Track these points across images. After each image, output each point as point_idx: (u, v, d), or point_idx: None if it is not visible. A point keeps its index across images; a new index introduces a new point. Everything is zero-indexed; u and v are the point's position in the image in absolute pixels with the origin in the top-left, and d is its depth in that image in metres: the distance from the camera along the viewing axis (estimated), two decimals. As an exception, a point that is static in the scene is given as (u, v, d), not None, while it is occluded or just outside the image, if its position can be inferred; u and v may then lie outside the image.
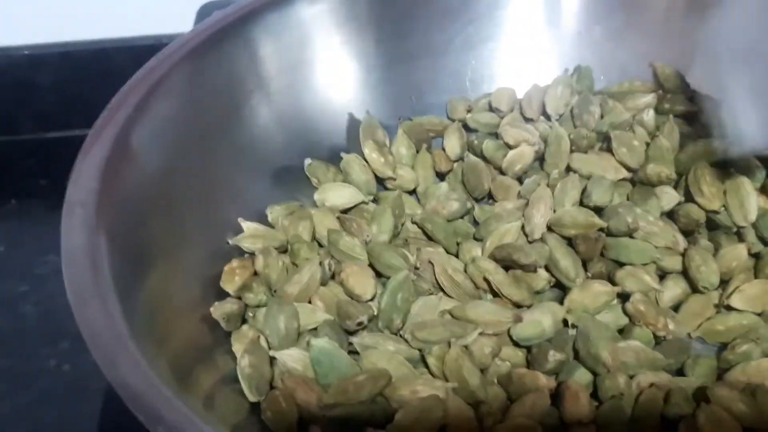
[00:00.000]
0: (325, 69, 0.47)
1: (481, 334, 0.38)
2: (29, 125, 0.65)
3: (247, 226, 0.43)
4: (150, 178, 0.38)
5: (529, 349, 0.39)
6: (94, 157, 0.36)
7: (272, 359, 0.37)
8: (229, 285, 0.40)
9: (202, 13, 0.61)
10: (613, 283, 0.40)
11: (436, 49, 0.50)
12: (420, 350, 0.38)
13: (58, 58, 0.64)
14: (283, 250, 0.43)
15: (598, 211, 0.43)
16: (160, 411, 0.28)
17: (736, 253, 0.42)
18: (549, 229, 0.43)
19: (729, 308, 0.40)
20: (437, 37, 0.49)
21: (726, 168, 0.44)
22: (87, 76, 0.64)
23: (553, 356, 0.37)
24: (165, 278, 0.37)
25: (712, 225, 0.44)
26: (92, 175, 0.36)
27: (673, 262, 0.42)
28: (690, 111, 0.49)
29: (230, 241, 0.42)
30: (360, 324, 0.39)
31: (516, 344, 0.39)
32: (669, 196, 0.44)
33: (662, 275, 0.42)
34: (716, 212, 0.43)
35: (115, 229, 0.35)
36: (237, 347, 0.38)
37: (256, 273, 0.41)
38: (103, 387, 0.44)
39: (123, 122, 0.38)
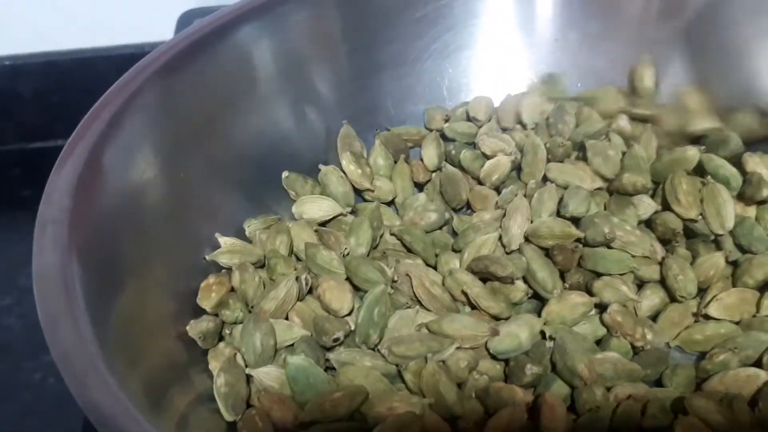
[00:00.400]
0: (301, 80, 0.47)
1: (458, 348, 0.38)
2: (12, 135, 0.65)
3: (224, 241, 0.42)
4: (123, 194, 0.38)
5: (506, 361, 0.39)
6: (67, 174, 0.36)
7: (249, 377, 0.37)
8: (206, 302, 0.40)
9: (183, 21, 0.61)
10: (590, 293, 0.40)
11: (411, 57, 0.50)
12: (397, 365, 0.38)
13: (40, 67, 0.64)
14: (260, 265, 0.43)
15: (575, 221, 0.43)
16: (130, 432, 0.28)
17: (714, 262, 0.42)
18: (526, 239, 0.43)
19: (707, 317, 0.40)
20: (413, 46, 0.49)
21: (702, 176, 0.44)
22: (69, 86, 0.64)
23: (530, 369, 0.37)
24: (139, 296, 0.36)
25: (690, 233, 0.44)
26: (65, 192, 0.35)
27: (651, 272, 0.42)
28: (656, 115, 0.49)
29: (207, 257, 0.42)
30: (336, 340, 0.38)
31: (494, 357, 0.39)
32: (646, 205, 0.44)
33: (640, 284, 0.42)
34: (693, 221, 0.43)
35: (88, 247, 0.34)
36: (213, 365, 0.38)
37: (233, 289, 0.41)
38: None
39: (96, 138, 0.38)
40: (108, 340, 0.32)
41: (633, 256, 0.42)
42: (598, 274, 0.41)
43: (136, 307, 0.36)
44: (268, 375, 0.37)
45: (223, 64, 0.44)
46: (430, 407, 0.35)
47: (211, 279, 0.40)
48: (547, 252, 0.42)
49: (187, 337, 0.38)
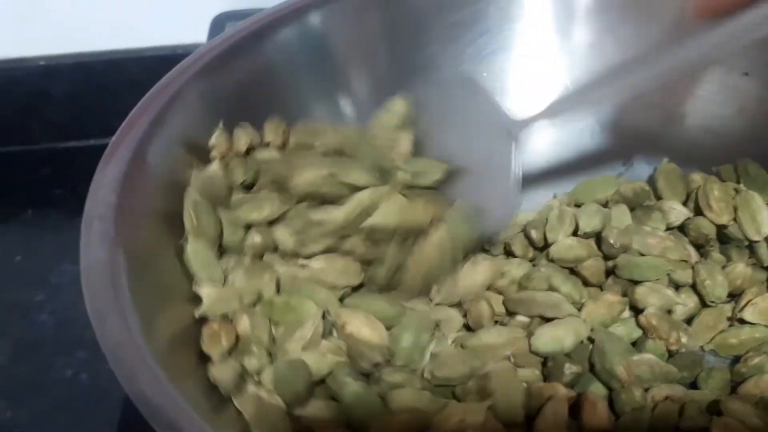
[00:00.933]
0: (338, 82, 0.48)
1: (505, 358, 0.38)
2: (44, 135, 0.66)
3: (205, 293, 0.37)
4: (166, 190, 0.38)
5: (544, 363, 0.39)
6: (112, 171, 0.37)
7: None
8: (215, 349, 0.35)
9: (216, 24, 0.62)
10: (633, 301, 0.41)
11: (446, 61, 0.50)
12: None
13: (73, 68, 0.64)
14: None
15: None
16: (181, 426, 0.29)
17: (740, 270, 0.42)
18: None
19: (742, 321, 0.41)
20: (448, 49, 0.49)
21: (736, 182, 0.45)
22: (101, 87, 0.65)
23: (569, 369, 0.37)
24: (183, 291, 0.37)
25: (724, 239, 0.44)
26: (110, 189, 0.36)
27: (686, 276, 0.42)
28: None
29: (197, 315, 0.36)
30: (377, 365, 0.37)
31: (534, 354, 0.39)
32: (677, 212, 0.44)
33: (675, 288, 0.42)
34: (725, 226, 0.43)
35: (133, 242, 0.35)
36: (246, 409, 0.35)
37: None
38: (121, 397, 0.44)
39: (140, 136, 0.38)
40: (154, 334, 0.32)
41: (668, 261, 0.42)
42: (635, 282, 0.41)
43: (180, 302, 0.36)
44: (316, 408, 0.35)
45: (261, 66, 0.44)
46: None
47: (215, 325, 0.36)
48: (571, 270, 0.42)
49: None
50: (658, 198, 0.46)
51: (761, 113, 0.46)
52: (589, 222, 0.43)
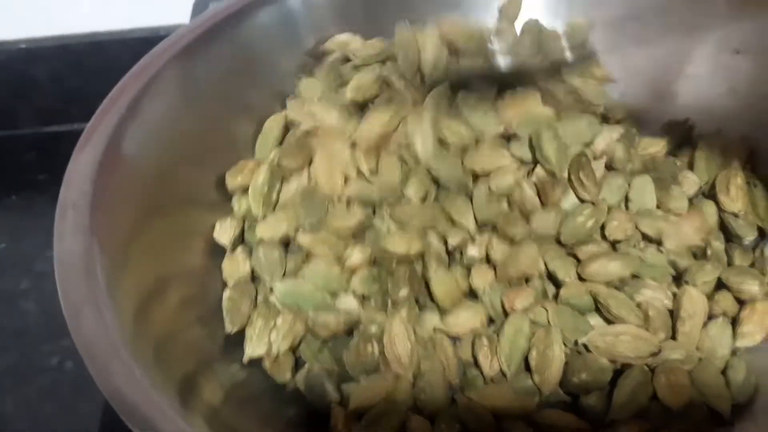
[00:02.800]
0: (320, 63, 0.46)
1: None
2: (28, 119, 0.65)
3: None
4: (144, 179, 0.38)
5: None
6: (87, 159, 0.36)
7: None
8: (231, 179, 0.42)
9: (199, 4, 0.61)
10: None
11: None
12: None
13: (56, 51, 0.63)
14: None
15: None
16: (155, 422, 0.28)
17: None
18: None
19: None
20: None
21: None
22: (84, 69, 0.64)
23: None
24: (160, 282, 0.36)
25: (728, 235, 0.43)
26: (85, 177, 0.35)
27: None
28: None
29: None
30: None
31: None
32: (690, 182, 0.44)
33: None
34: (735, 215, 0.42)
35: (109, 231, 0.34)
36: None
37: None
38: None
39: (115, 122, 0.37)
40: (129, 327, 0.32)
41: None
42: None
43: (158, 293, 0.36)
44: None
45: (242, 48, 0.43)
46: None
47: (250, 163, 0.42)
48: None
49: (209, 323, 0.38)
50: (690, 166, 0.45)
51: (753, 92, 0.45)
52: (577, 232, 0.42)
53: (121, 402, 0.29)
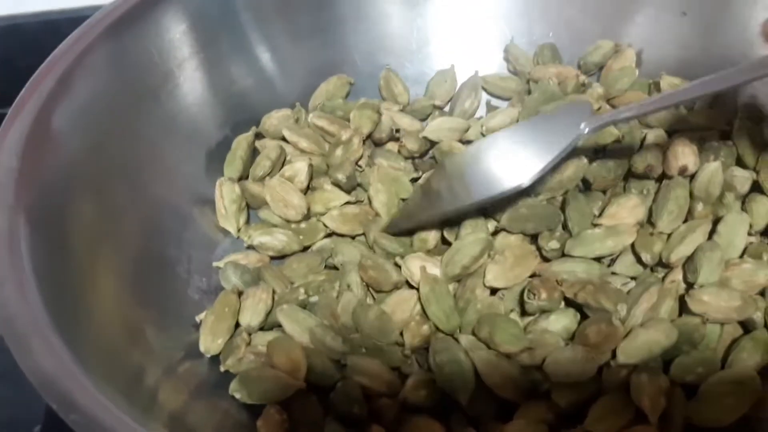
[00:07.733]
0: (255, 39, 0.46)
1: None
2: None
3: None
4: (74, 156, 0.37)
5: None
6: (14, 135, 0.35)
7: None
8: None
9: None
10: None
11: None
12: None
13: (6, 30, 0.62)
14: None
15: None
16: (75, 398, 0.28)
17: None
18: None
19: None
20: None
21: None
22: (35, 49, 0.62)
23: None
24: (91, 260, 0.36)
25: None
26: (12, 153, 0.35)
27: None
28: None
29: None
30: None
31: None
32: (741, 180, 0.42)
33: None
34: None
35: (36, 209, 0.34)
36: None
37: None
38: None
39: (44, 98, 0.37)
40: (56, 304, 0.31)
41: None
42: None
43: (89, 271, 0.35)
44: None
45: (173, 23, 0.42)
46: None
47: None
48: None
49: (142, 300, 0.37)
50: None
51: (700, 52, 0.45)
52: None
53: (41, 377, 0.28)
